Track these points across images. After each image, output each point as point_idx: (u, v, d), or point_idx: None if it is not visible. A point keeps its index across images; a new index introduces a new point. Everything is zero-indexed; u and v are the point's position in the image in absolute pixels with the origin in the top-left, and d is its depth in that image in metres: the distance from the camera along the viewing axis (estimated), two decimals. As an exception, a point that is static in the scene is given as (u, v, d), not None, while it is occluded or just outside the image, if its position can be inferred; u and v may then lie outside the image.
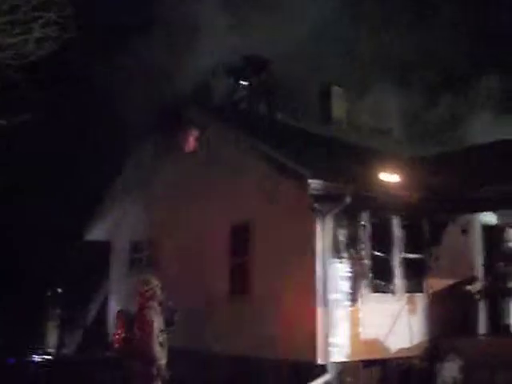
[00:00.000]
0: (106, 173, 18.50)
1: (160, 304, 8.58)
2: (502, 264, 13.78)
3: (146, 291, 8.61)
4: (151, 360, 8.18)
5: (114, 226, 19.32)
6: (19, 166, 19.14)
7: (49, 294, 20.34)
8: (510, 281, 13.60)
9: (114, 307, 19.26)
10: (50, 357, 19.35)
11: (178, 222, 16.37)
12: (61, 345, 20.09)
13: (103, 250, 19.44)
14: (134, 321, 8.58)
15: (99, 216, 19.35)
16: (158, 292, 8.69)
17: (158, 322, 8.39)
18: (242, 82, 17.26)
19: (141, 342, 8.27)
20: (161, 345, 8.34)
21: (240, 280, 14.31)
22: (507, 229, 14.47)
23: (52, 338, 19.88)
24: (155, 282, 8.76)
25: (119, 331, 8.79)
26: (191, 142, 15.67)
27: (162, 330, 8.39)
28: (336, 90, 19.80)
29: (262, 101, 17.51)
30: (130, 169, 18.24)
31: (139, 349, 8.25)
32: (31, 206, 19.28)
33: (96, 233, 19.68)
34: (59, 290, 20.63)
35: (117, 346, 8.73)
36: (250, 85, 17.44)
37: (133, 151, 18.21)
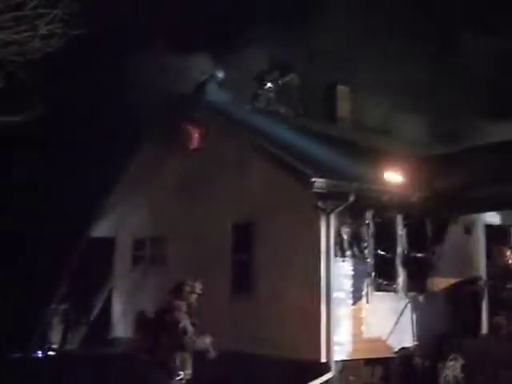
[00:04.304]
0: (110, 170, 18.55)
1: (190, 306, 8.08)
2: (503, 264, 13.73)
3: (181, 292, 8.09)
4: (172, 371, 7.80)
5: (118, 223, 19.38)
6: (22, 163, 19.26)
7: (53, 289, 20.41)
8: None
9: (117, 303, 19.36)
10: (53, 352, 19.46)
11: (180, 219, 16.42)
12: (64, 341, 20.16)
13: (107, 246, 19.51)
14: (157, 324, 7.95)
15: (104, 213, 19.40)
16: (192, 297, 8.18)
17: (185, 324, 7.81)
18: (268, 85, 17.49)
19: (162, 350, 7.73)
20: (185, 350, 7.84)
21: (242, 278, 14.35)
22: (510, 229, 14.49)
23: (56, 333, 19.96)
24: (193, 286, 8.21)
25: (138, 336, 8.10)
26: (195, 140, 15.72)
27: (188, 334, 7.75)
28: (341, 89, 19.81)
29: (285, 102, 17.80)
30: (135, 165, 18.28)
31: (160, 357, 7.77)
32: (36, 202, 19.35)
33: (100, 229, 19.75)
34: (64, 286, 20.71)
35: (135, 351, 8.03)
36: (273, 87, 17.69)
37: (137, 148, 18.26)
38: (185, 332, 7.76)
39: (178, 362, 7.71)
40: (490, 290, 14.03)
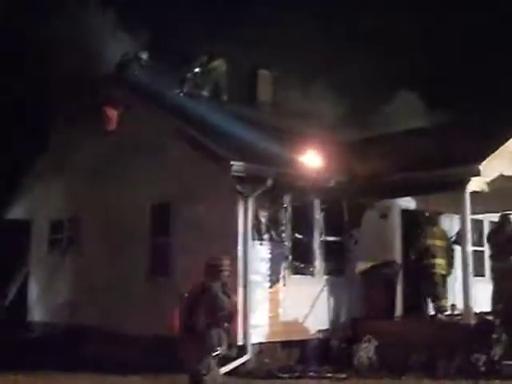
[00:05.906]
0: (26, 150, 18.14)
1: (224, 285, 7.98)
2: (417, 248, 13.99)
3: (211, 271, 7.98)
4: (210, 347, 7.76)
5: (34, 205, 18.97)
6: None
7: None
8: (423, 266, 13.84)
9: (33, 287, 18.98)
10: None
11: (99, 201, 16.16)
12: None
13: (23, 229, 19.07)
14: (193, 302, 7.89)
15: (19, 194, 18.95)
16: (224, 275, 8.06)
17: (221, 301, 7.87)
18: (196, 70, 17.40)
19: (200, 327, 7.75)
20: (224, 330, 7.94)
21: (160, 260, 14.25)
22: (425, 213, 14.79)
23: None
24: (221, 264, 8.11)
25: (180, 317, 8.01)
26: (113, 121, 15.47)
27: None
28: (263, 74, 19.82)
29: (211, 87, 17.77)
30: (51, 146, 17.90)
31: (198, 335, 7.75)
32: None
33: (16, 211, 19.30)
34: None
35: (179, 333, 7.93)
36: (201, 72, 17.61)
37: (54, 128, 17.86)
38: (221, 309, 7.76)
39: (215, 338, 7.69)
40: (408, 268, 14.31)
